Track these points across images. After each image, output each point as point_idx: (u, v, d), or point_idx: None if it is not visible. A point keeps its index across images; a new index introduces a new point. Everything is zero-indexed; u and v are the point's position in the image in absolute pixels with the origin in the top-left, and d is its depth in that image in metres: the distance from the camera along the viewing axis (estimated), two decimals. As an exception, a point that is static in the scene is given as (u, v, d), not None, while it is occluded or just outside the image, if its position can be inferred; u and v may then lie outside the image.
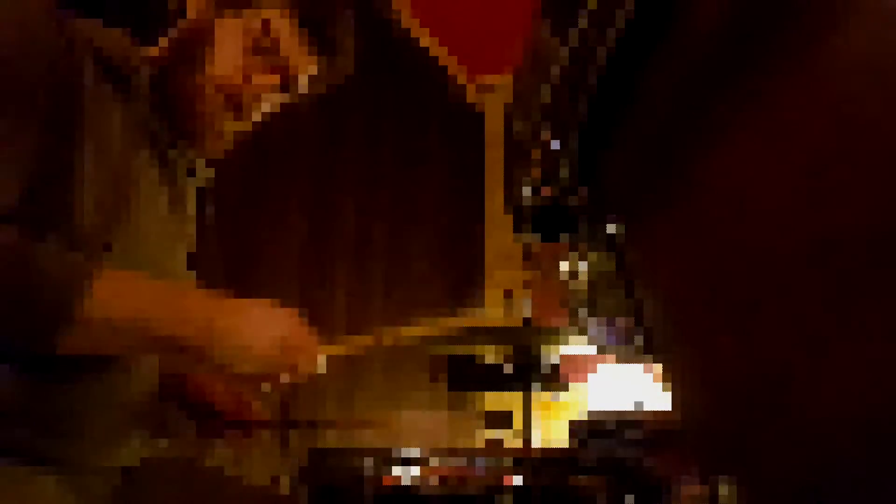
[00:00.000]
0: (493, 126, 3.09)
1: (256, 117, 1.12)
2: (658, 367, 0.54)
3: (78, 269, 0.87)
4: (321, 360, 1.04)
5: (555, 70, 0.46)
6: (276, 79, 1.09)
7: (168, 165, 1.10)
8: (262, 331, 0.96)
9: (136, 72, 1.04)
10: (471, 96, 3.13)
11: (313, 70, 1.12)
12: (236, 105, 1.07)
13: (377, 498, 1.26)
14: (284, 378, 1.01)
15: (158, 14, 1.12)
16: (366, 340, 1.25)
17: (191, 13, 1.09)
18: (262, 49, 1.07)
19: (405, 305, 2.95)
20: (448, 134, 3.12)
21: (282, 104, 1.15)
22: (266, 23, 1.06)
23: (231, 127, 1.09)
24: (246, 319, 0.95)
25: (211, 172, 1.21)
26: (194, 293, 0.99)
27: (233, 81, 1.06)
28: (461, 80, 3.13)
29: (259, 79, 1.07)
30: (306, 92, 1.15)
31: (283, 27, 1.07)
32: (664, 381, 0.52)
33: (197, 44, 1.06)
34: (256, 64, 1.07)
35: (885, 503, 0.34)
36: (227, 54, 1.05)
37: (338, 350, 1.15)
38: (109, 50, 1.02)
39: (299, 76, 1.11)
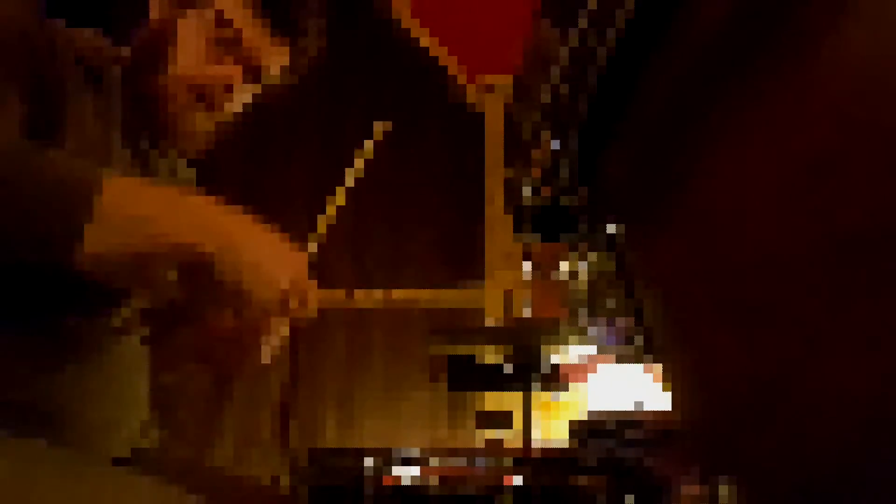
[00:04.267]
0: (493, 126, 3.09)
1: (230, 111, 1.11)
2: (658, 367, 0.54)
3: (88, 169, 0.83)
4: (314, 309, 1.00)
5: (555, 70, 0.46)
6: (243, 68, 1.08)
7: (147, 165, 1.10)
8: (278, 263, 0.91)
9: (112, 73, 1.04)
10: (471, 96, 3.13)
11: (282, 54, 1.10)
12: (206, 101, 1.06)
13: (377, 498, 1.26)
14: (282, 317, 0.96)
15: (127, 14, 1.11)
16: (359, 297, 1.21)
17: (152, 13, 1.08)
18: (224, 41, 1.06)
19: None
20: (448, 134, 3.12)
21: (254, 95, 1.14)
22: (223, 13, 1.05)
23: (205, 123, 1.08)
24: (265, 245, 0.90)
25: (192, 172, 1.21)
26: (210, 203, 0.92)
27: (198, 77, 1.05)
28: (461, 80, 3.13)
29: (225, 71, 1.06)
30: (277, 80, 1.13)
31: (242, 16, 1.06)
32: (664, 381, 0.52)
33: (160, 43, 1.05)
34: (220, 57, 1.06)
35: (884, 503, 0.34)
36: (189, 50, 1.04)
37: (335, 303, 1.13)
38: (86, 51, 1.02)
39: (268, 63, 1.10)
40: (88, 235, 0.79)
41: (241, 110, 1.13)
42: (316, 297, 1.00)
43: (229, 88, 1.07)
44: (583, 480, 1.28)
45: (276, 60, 1.10)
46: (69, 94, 0.95)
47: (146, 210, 0.85)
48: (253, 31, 1.06)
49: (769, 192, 0.37)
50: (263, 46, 1.07)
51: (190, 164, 1.20)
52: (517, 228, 0.57)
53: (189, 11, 1.05)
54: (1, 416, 0.92)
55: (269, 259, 0.90)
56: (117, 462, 1.08)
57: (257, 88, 1.12)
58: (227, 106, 1.09)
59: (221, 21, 1.05)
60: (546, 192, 0.54)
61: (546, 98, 0.48)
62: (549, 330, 1.55)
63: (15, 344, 0.93)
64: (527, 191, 0.55)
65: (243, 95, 1.11)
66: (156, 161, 1.11)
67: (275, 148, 2.90)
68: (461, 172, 3.10)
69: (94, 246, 0.80)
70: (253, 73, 1.09)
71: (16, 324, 0.93)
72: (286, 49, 1.10)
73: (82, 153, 0.96)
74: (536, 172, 0.53)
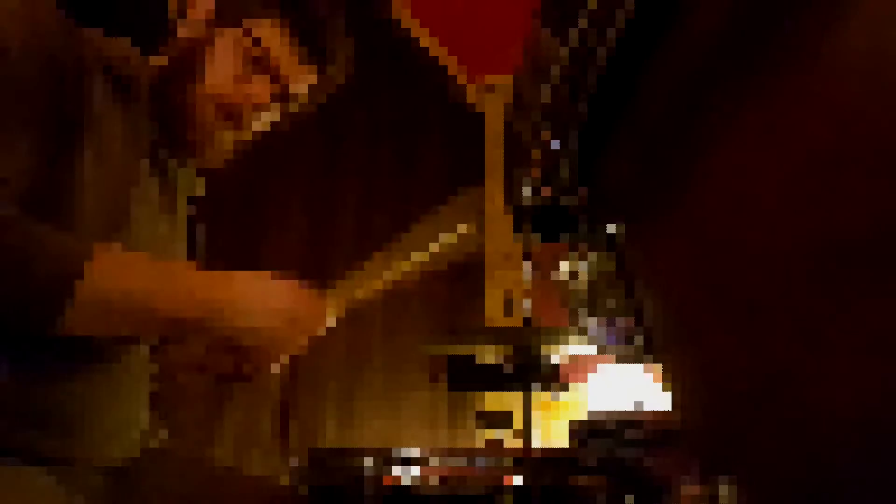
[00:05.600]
0: (493, 126, 3.09)
1: (254, 128, 1.12)
2: (658, 367, 0.54)
3: (75, 247, 0.86)
4: (330, 321, 1.04)
5: (555, 70, 0.46)
6: (271, 90, 1.09)
7: (166, 175, 1.11)
8: (266, 303, 0.94)
9: (140, 82, 1.05)
10: (471, 96, 3.13)
11: (310, 79, 1.12)
12: (233, 117, 1.07)
13: (377, 498, 1.26)
14: (292, 349, 0.99)
15: (159, 25, 1.12)
16: (364, 283, 1.22)
17: (186, 27, 1.09)
18: (257, 61, 1.07)
19: (405, 312, 2.95)
20: (448, 134, 3.12)
21: (280, 115, 1.15)
22: (259, 35, 1.06)
23: (229, 139, 1.10)
24: (249, 292, 0.94)
25: (202, 182, 1.22)
26: (193, 270, 0.97)
27: (228, 94, 1.06)
28: (461, 80, 3.13)
29: (254, 91, 1.07)
30: (305, 101, 1.15)
31: (276, 38, 1.07)
32: (664, 381, 0.52)
33: (193, 57, 1.07)
34: (251, 76, 1.07)
35: (884, 503, 0.34)
36: (222, 67, 1.06)
37: (341, 303, 1.11)
38: (116, 60, 1.02)
39: (296, 86, 1.11)
40: (69, 316, 0.83)
41: (264, 130, 1.15)
42: (324, 315, 1.03)
43: (257, 108, 1.08)
44: (583, 480, 1.28)
45: (303, 84, 1.12)
46: (94, 103, 0.96)
47: (131, 285, 0.88)
48: (284, 54, 1.08)
49: (769, 192, 0.37)
50: (293, 69, 1.09)
51: (199, 174, 1.21)
52: (517, 228, 0.57)
53: (225, 30, 1.06)
54: (9, 422, 0.92)
55: (262, 310, 0.94)
56: (126, 465, 1.08)
57: (282, 108, 1.14)
58: (252, 125, 1.10)
59: (255, 42, 1.06)
60: (546, 192, 0.54)
61: (546, 98, 0.48)
62: (549, 330, 1.55)
63: (25, 351, 0.93)
64: (527, 191, 0.55)
65: (268, 115, 1.12)
66: (174, 173, 1.12)
67: (275, 147, 2.90)
68: (461, 172, 3.10)
69: (74, 324, 0.85)
70: (280, 94, 1.10)
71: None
72: (314, 73, 1.11)
73: (105, 165, 0.96)
74: (536, 172, 0.53)
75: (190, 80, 1.06)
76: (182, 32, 1.10)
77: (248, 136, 1.12)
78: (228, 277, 0.95)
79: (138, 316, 0.90)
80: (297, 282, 1.00)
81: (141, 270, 0.91)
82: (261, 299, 0.94)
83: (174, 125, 1.07)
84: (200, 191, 1.23)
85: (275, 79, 1.09)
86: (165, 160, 1.10)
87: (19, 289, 0.81)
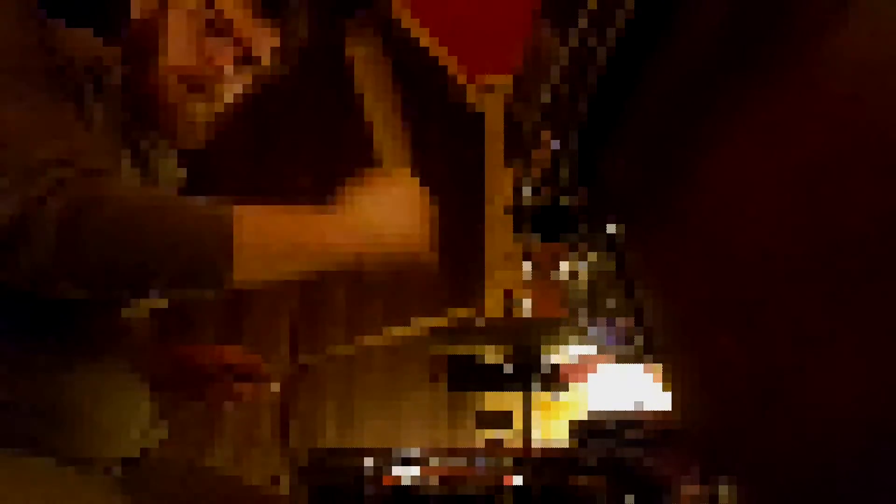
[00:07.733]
0: (493, 126, 3.08)
1: (226, 99, 1.09)
2: (658, 367, 0.54)
3: (220, 205, 0.90)
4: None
5: (555, 70, 0.46)
6: (233, 54, 1.06)
7: (147, 165, 1.09)
8: (398, 208, 1.01)
9: (109, 71, 1.04)
10: (471, 96, 3.13)
11: (272, 40, 1.09)
12: (200, 88, 1.05)
13: (377, 498, 1.26)
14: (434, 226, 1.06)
15: (115, 11, 1.10)
16: None
17: (139, 5, 1.07)
18: (215, 28, 1.05)
19: (404, 305, 2.95)
20: (448, 134, 3.12)
21: (249, 82, 1.12)
22: (212, 1, 1.04)
23: (202, 114, 1.07)
24: (380, 209, 1.01)
25: (183, 172, 1.20)
26: (326, 212, 1.03)
27: (190, 67, 1.04)
28: (461, 80, 3.13)
29: (217, 58, 1.05)
30: (270, 64, 1.12)
31: (229, 1, 1.05)
32: (664, 381, 0.52)
33: (149, 36, 1.05)
34: (212, 44, 1.05)
35: (885, 503, 0.34)
36: (179, 41, 1.04)
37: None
38: (82, 51, 1.01)
39: (260, 49, 1.09)
40: (237, 269, 0.88)
41: (237, 99, 1.12)
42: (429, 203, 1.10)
43: (222, 76, 1.06)
44: (583, 480, 1.28)
45: (266, 44, 1.09)
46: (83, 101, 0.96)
47: (279, 235, 0.95)
48: (241, 16, 1.05)
49: (768, 193, 0.37)
50: (253, 31, 1.06)
51: (181, 164, 1.19)
52: (517, 228, 0.57)
53: (177, 1, 1.04)
54: (10, 417, 0.92)
55: (400, 215, 1.01)
56: (126, 463, 1.08)
57: (250, 75, 1.11)
58: (223, 94, 1.08)
59: (210, 9, 1.04)
60: (546, 192, 0.54)
61: (546, 98, 0.48)
62: (549, 330, 1.55)
63: (24, 345, 0.93)
64: (527, 191, 0.55)
65: (237, 83, 1.10)
66: (155, 161, 1.11)
67: (272, 145, 2.90)
68: (461, 172, 3.10)
69: (239, 276, 0.89)
70: (245, 59, 1.08)
71: (25, 325, 0.94)
72: (276, 32, 1.09)
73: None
74: (536, 172, 0.53)
75: (150, 58, 1.04)
76: (135, 12, 1.08)
77: (220, 108, 1.09)
78: (355, 205, 1.01)
79: (293, 255, 0.96)
80: (408, 183, 1.09)
81: (282, 218, 0.98)
82: (392, 209, 1.01)
83: (145, 108, 1.05)
84: (181, 181, 1.22)
85: (235, 42, 1.06)
86: (146, 150, 1.09)
87: (191, 257, 0.86)
